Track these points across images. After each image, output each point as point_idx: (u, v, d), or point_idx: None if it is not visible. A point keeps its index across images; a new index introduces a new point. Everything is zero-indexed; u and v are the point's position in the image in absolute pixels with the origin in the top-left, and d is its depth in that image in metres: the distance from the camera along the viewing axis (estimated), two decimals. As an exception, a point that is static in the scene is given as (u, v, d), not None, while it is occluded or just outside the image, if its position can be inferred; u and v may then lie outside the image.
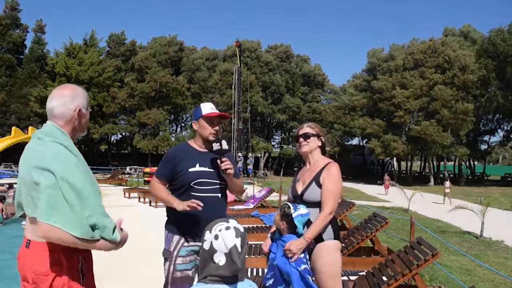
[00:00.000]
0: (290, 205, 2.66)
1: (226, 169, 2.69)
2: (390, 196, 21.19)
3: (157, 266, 5.74)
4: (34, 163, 1.83)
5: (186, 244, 2.69)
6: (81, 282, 1.91)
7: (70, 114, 1.98)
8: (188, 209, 2.55)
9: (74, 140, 2.03)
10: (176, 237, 2.70)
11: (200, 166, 2.72)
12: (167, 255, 2.70)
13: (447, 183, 19.73)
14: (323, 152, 2.93)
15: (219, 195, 2.78)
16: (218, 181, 2.77)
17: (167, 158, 2.78)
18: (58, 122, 1.98)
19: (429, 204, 15.84)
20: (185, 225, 2.67)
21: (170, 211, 2.76)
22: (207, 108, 2.77)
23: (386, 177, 24.70)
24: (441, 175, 39.04)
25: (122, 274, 5.35)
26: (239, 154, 26.11)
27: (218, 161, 2.72)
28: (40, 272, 1.84)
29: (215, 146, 2.74)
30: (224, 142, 2.74)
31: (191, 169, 2.70)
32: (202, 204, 2.56)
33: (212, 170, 2.76)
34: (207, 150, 2.80)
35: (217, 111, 2.77)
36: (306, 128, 2.89)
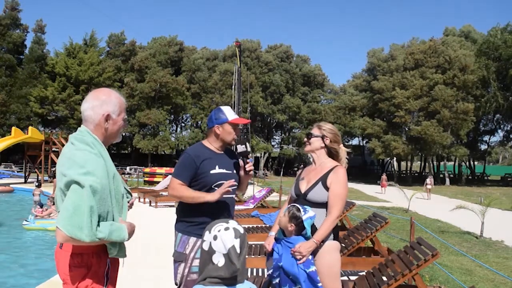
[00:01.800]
0: (300, 208, 2.66)
1: (249, 171, 2.75)
2: (390, 196, 21.18)
3: (157, 266, 5.74)
4: (63, 170, 1.84)
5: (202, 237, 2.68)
6: (105, 285, 1.94)
7: (98, 119, 1.98)
8: (223, 195, 2.59)
9: (107, 146, 2.03)
10: (192, 239, 2.66)
11: (219, 168, 2.74)
12: (182, 258, 2.65)
13: (428, 180, 21.94)
14: (331, 154, 2.89)
15: (233, 196, 2.85)
16: (234, 183, 2.79)
17: (189, 159, 2.71)
18: (89, 126, 1.99)
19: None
20: (202, 226, 2.62)
21: (184, 212, 2.72)
22: (232, 113, 2.79)
23: (384, 176, 25.47)
24: (441, 175, 39.03)
25: (122, 273, 5.35)
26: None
27: (241, 161, 2.76)
28: (70, 274, 1.88)
29: (240, 148, 2.76)
30: (248, 145, 2.77)
31: (212, 171, 2.70)
32: (233, 182, 2.66)
33: (229, 171, 2.78)
34: (223, 152, 2.83)
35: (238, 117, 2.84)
36: (314, 128, 2.93)
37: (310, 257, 2.58)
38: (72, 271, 1.88)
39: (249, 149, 2.77)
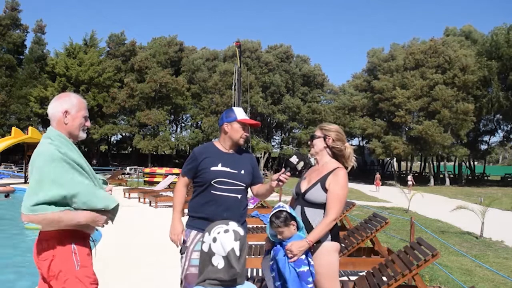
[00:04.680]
0: (280, 208, 2.65)
1: (281, 181, 2.73)
2: (390, 196, 21.18)
3: (157, 265, 5.74)
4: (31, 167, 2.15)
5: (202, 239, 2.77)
6: (76, 268, 2.09)
7: (58, 116, 2.25)
8: (176, 244, 2.82)
9: (75, 141, 2.28)
10: (193, 232, 2.78)
11: (222, 166, 2.81)
12: (184, 250, 2.78)
13: (409, 177, 25.74)
14: (336, 155, 2.86)
15: (239, 196, 2.84)
16: (239, 182, 2.83)
17: (193, 156, 2.91)
18: (53, 124, 2.27)
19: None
20: (201, 221, 2.75)
21: (190, 207, 2.90)
22: (242, 113, 2.89)
23: (377, 175, 26.92)
24: (441, 175, 38.99)
25: (123, 273, 5.35)
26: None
27: (283, 169, 2.76)
28: (40, 258, 2.12)
29: (292, 158, 2.77)
30: (301, 163, 2.77)
31: (213, 168, 2.79)
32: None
33: (234, 171, 2.82)
34: (231, 151, 2.89)
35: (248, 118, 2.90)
36: (316, 130, 2.92)
37: (304, 257, 2.58)
38: (41, 256, 2.10)
39: (299, 166, 2.75)
